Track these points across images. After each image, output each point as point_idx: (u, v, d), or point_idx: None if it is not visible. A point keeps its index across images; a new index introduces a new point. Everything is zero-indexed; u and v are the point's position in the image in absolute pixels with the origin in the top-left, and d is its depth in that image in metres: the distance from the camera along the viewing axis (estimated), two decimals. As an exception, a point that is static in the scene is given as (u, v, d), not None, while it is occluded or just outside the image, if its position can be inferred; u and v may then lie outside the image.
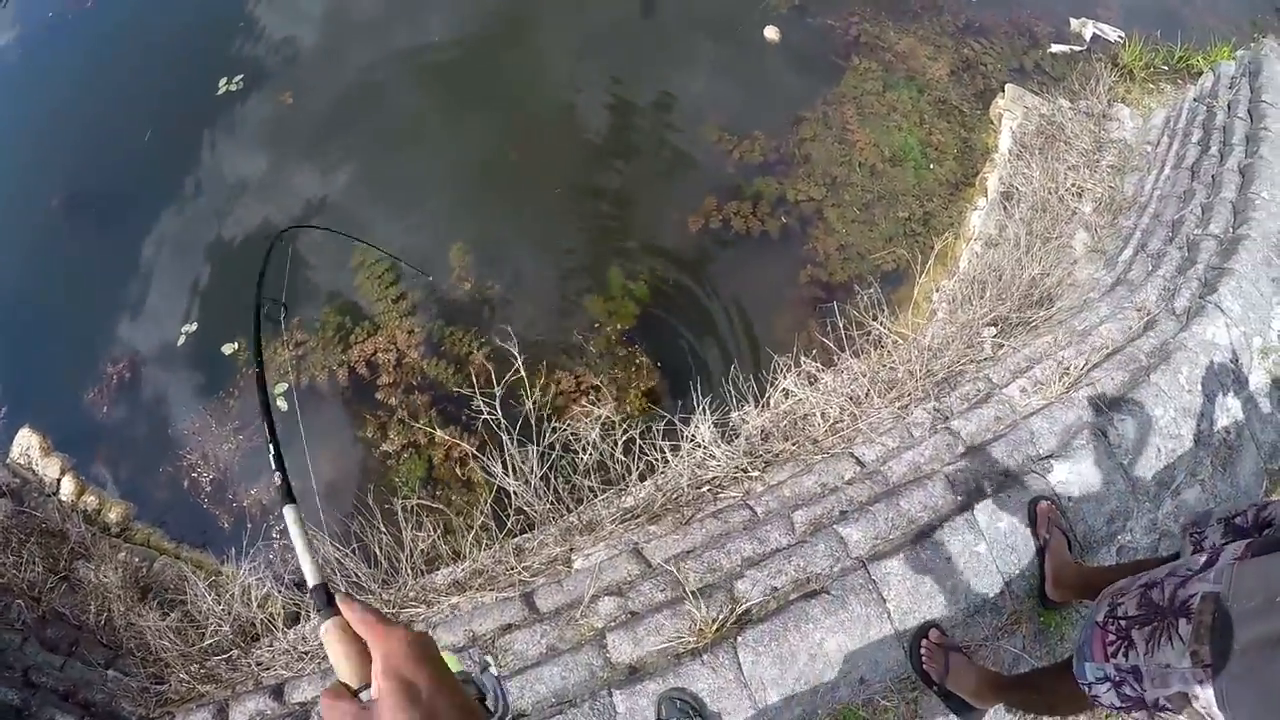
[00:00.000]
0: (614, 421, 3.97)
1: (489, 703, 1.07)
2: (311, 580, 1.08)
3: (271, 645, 4.24)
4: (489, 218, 6.96)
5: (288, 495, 1.28)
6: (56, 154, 8.71)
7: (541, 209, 6.97)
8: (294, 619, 4.23)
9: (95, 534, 6.03)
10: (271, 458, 1.47)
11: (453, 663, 0.98)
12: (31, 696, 4.34)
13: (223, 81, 8.41)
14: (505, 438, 3.90)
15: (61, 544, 5.93)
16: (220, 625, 4.43)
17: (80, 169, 8.42)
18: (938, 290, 6.07)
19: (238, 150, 8.10)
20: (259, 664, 4.16)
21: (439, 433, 4.65)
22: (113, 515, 6.26)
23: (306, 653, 3.94)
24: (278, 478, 1.39)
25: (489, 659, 1.41)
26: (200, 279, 7.35)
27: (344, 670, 0.94)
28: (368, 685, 0.91)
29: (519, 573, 3.61)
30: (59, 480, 6.53)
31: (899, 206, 6.66)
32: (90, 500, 6.36)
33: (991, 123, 7.33)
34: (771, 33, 7.75)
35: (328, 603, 1.02)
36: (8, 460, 6.79)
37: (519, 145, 7.37)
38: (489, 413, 3.95)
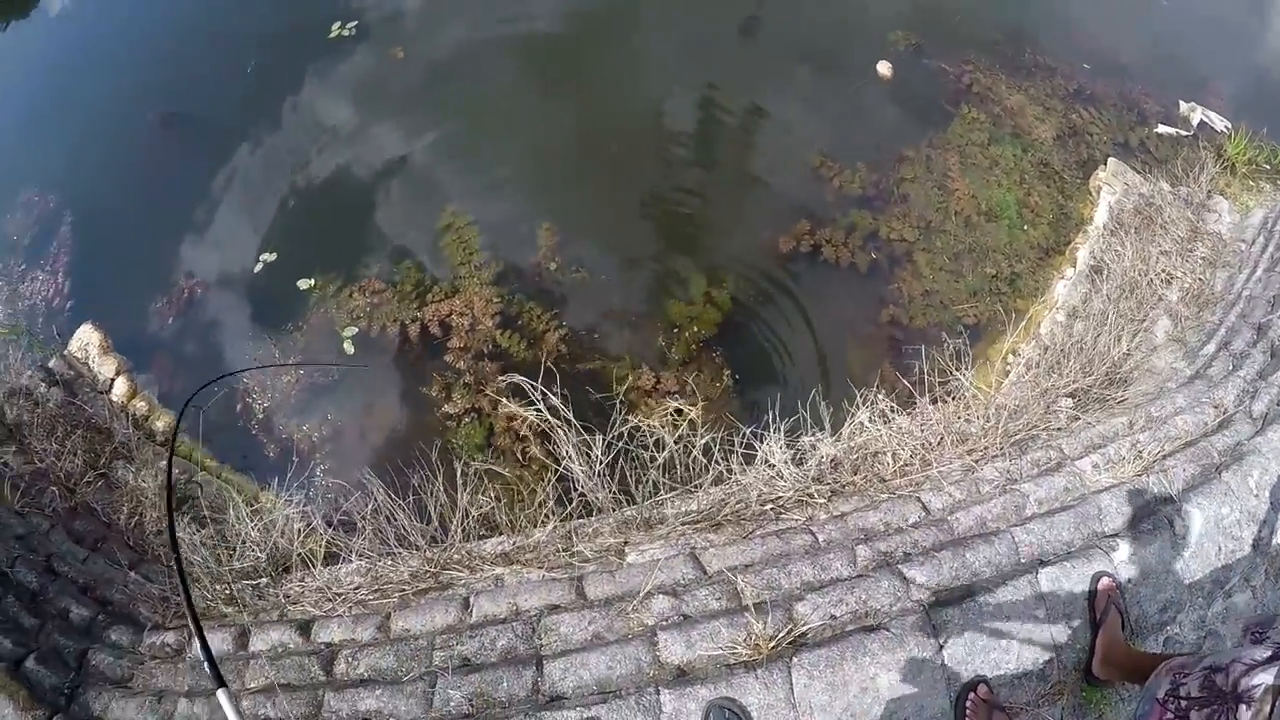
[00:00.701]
0: (694, 423, 3.93)
1: None
2: None
3: (304, 580, 4.24)
4: (579, 204, 6.98)
5: (218, 680, 1.33)
6: (165, 71, 8.88)
7: (631, 203, 6.97)
8: (333, 559, 4.21)
9: (140, 439, 6.09)
10: (199, 648, 1.48)
11: None
12: (50, 583, 4.37)
13: (336, 26, 8.54)
14: (573, 422, 3.89)
15: (105, 442, 5.99)
16: (256, 551, 4.44)
17: (184, 90, 8.59)
18: (1015, 353, 6.00)
19: (337, 95, 8.22)
20: (287, 596, 4.15)
21: (511, 405, 4.63)
22: (160, 424, 6.32)
23: (339, 594, 3.93)
24: (206, 666, 1.41)
25: None
26: (286, 213, 7.45)
27: None
28: None
29: (569, 556, 3.59)
30: (113, 380, 6.60)
31: (988, 262, 6.60)
32: (140, 405, 6.43)
33: (1090, 194, 7.23)
34: (884, 68, 7.71)
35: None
36: (65, 352, 6.88)
37: (615, 137, 7.40)
38: (560, 395, 3.94)
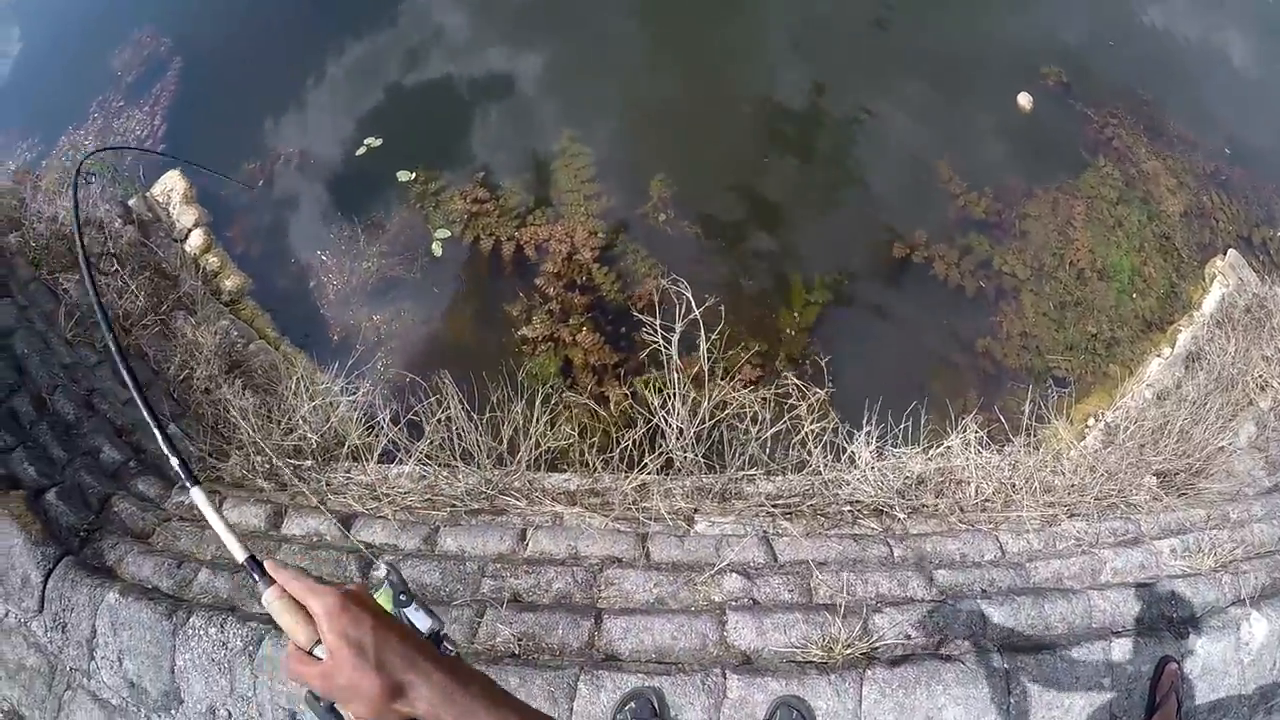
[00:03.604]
0: (812, 406, 3.78)
1: (423, 629, 1.07)
2: (240, 555, 1.12)
3: (350, 473, 4.13)
4: (697, 163, 6.79)
5: (191, 478, 1.25)
6: None
7: (749, 174, 6.80)
8: (389, 458, 4.09)
9: (206, 294, 6.00)
10: (161, 441, 1.36)
11: (386, 602, 1.08)
12: (87, 418, 4.26)
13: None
14: (679, 375, 3.74)
15: (170, 289, 5.91)
16: (306, 430, 4.33)
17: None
18: (1097, 418, 5.83)
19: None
20: (329, 485, 4.04)
21: (587, 337, 4.52)
22: (229, 283, 6.24)
23: (387, 495, 3.81)
24: (175, 461, 1.30)
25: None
26: (399, 100, 7.34)
27: (298, 634, 1.00)
28: (319, 642, 0.98)
29: (638, 510, 3.45)
30: (190, 230, 6.53)
31: (1090, 320, 6.39)
32: (212, 260, 6.35)
33: (1204, 279, 6.99)
34: (1025, 100, 7.47)
35: (262, 573, 1.08)
36: (147, 193, 6.81)
37: (743, 104, 7.23)
38: (658, 341, 3.80)
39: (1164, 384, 6.14)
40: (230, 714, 2.97)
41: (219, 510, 1.17)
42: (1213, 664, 3.20)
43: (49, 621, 3.24)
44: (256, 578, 1.08)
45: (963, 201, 6.68)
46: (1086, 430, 5.79)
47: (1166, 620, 3.32)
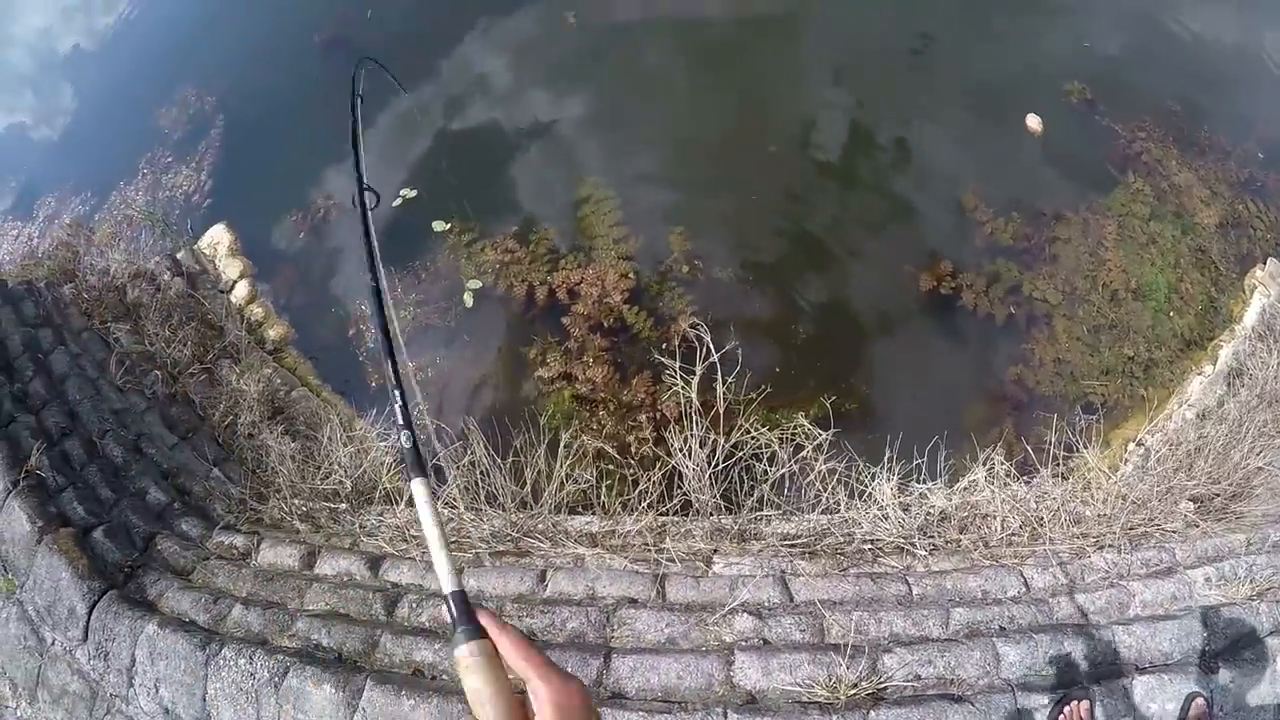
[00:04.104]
0: (820, 447, 3.81)
1: None
2: (448, 585, 0.94)
3: (382, 515, 4.25)
4: (718, 203, 6.91)
5: (418, 466, 1.08)
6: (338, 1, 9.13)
7: (771, 211, 6.85)
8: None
9: (250, 342, 6.23)
10: (400, 420, 1.21)
11: None
12: (135, 461, 4.51)
13: (514, -21, 8.60)
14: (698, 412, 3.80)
15: (216, 338, 6.15)
16: (342, 475, 4.46)
17: (352, 20, 8.80)
18: (1139, 443, 5.72)
19: (501, 49, 8.32)
20: (362, 528, 4.17)
21: (598, 372, 4.59)
22: (272, 333, 6.46)
23: (415, 537, 3.92)
24: (406, 439, 1.14)
25: None
26: (432, 154, 7.57)
27: (488, 711, 0.83)
28: None
29: (656, 552, 3.51)
30: (235, 282, 6.78)
31: (1127, 343, 6.27)
32: (257, 311, 6.58)
33: (1244, 292, 6.81)
34: (1034, 122, 7.38)
35: (469, 619, 0.90)
36: (195, 246, 7.09)
37: (765, 140, 7.27)
38: (681, 385, 3.86)
39: (1206, 403, 5.99)
40: (255, 740, 3.10)
41: (437, 512, 1.04)
42: (1243, 699, 3.11)
43: (92, 650, 3.44)
44: (456, 620, 0.91)
45: (990, 228, 6.63)
46: (1127, 457, 5.68)
47: (1196, 654, 3.22)
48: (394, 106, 7.87)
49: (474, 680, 0.85)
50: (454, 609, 0.91)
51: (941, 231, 6.74)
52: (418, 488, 1.02)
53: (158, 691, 3.27)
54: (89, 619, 3.46)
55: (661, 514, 3.75)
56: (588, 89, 7.78)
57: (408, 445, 1.12)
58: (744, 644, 2.96)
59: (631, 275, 6.29)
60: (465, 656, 0.87)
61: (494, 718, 0.82)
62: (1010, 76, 7.80)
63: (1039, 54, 8.06)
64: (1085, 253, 6.64)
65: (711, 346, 3.74)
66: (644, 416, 5.57)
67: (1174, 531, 4.20)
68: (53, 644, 3.56)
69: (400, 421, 1.18)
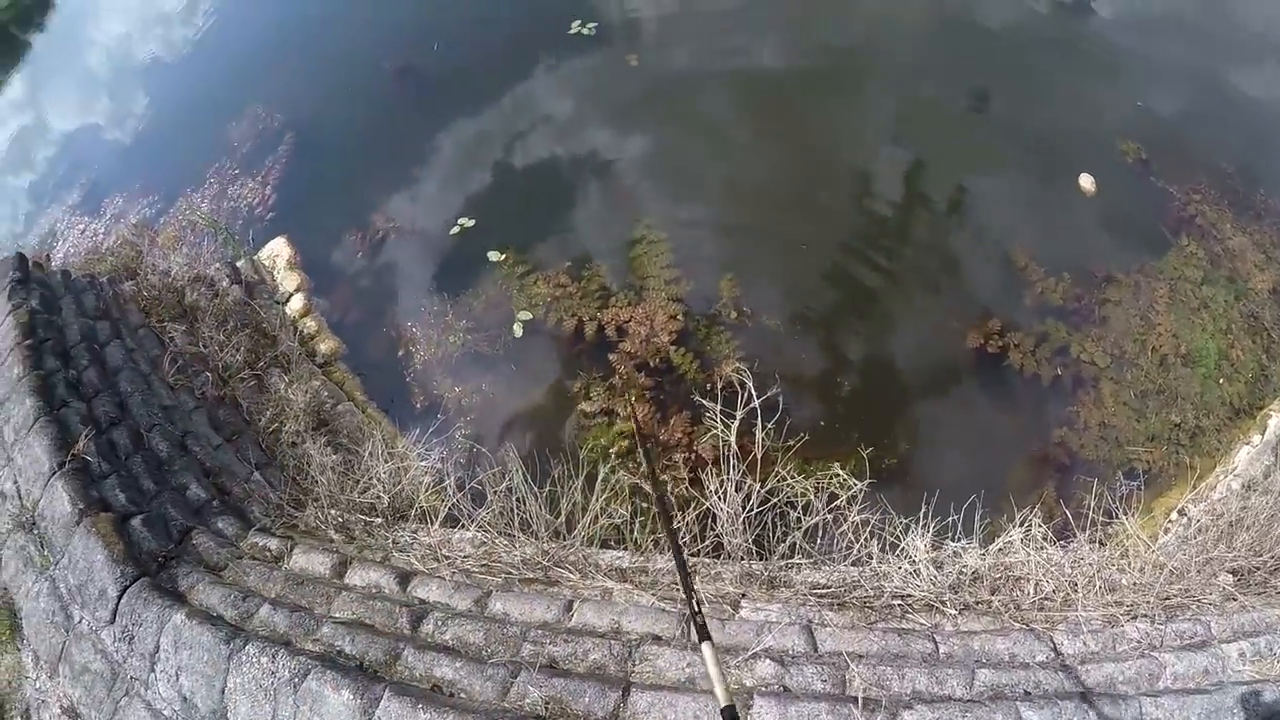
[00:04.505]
0: (854, 497, 3.80)
1: None
2: (723, 701, 1.22)
3: (416, 533, 4.30)
4: (768, 252, 7.00)
5: (704, 634, 1.47)
6: (411, 31, 9.46)
7: (822, 262, 6.93)
8: (452, 522, 4.25)
9: (301, 354, 6.36)
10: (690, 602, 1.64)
11: None
12: (179, 457, 4.63)
13: (577, 23, 8.87)
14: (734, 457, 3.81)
15: (269, 347, 6.30)
16: (380, 490, 4.52)
17: (425, 50, 9.09)
18: (1182, 512, 5.61)
19: (564, 88, 8.54)
20: (395, 543, 4.22)
21: (640, 409, 4.64)
22: (323, 346, 6.60)
23: (447, 557, 3.96)
24: (693, 620, 1.57)
25: None
26: (492, 186, 7.76)
27: None
28: None
29: (683, 592, 3.50)
30: (291, 294, 6.95)
31: (1174, 409, 6.17)
32: (310, 324, 6.73)
33: (1296, 360, 6.70)
34: (1087, 182, 7.33)
35: None
36: (255, 257, 7.27)
37: (816, 190, 7.37)
38: (721, 428, 3.88)
39: (1252, 474, 5.88)
40: (269, 737, 3.14)
41: (720, 663, 1.30)
42: (1274, 778, 3.01)
43: (118, 633, 3.52)
44: None
45: (1040, 288, 6.60)
46: (1169, 525, 5.58)
47: (1225, 734, 3.15)
48: (455, 135, 8.04)
49: None
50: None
51: (991, 289, 6.72)
52: (706, 649, 1.38)
53: (178, 679, 3.33)
54: (118, 602, 3.54)
55: (693, 554, 3.76)
56: (646, 131, 7.93)
57: (698, 623, 1.55)
58: (764, 689, 2.95)
59: (680, 317, 6.38)
60: None
61: None
62: (1065, 134, 7.77)
63: (1094, 112, 8.04)
64: (1135, 316, 6.58)
65: (753, 391, 3.75)
66: (679, 456, 5.60)
67: (1211, 604, 4.11)
68: (80, 622, 3.64)
69: (684, 596, 1.66)
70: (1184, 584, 4.14)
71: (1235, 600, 4.09)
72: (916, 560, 3.70)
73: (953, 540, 3.95)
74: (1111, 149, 7.64)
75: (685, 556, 1.77)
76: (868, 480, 3.77)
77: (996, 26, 8.67)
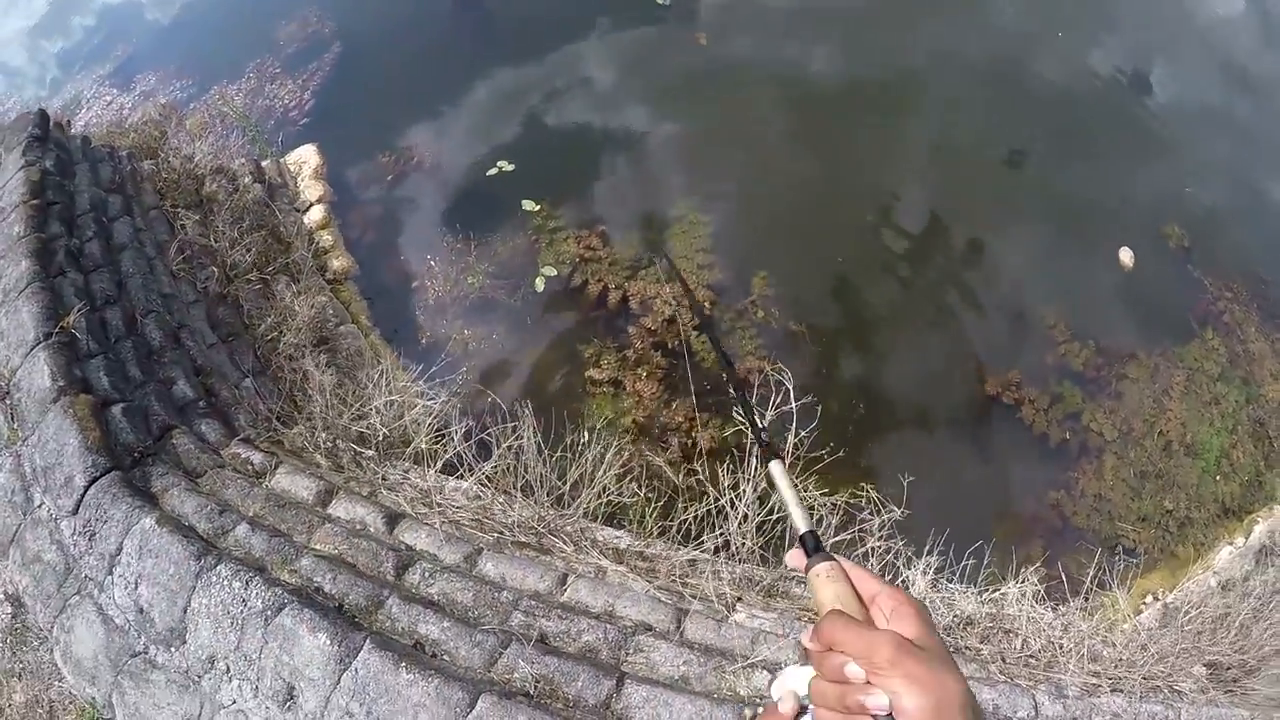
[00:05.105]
0: (883, 523, 3.75)
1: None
2: (802, 526, 1.06)
3: (408, 474, 4.17)
4: (803, 259, 6.92)
5: (773, 454, 1.25)
6: None
7: (856, 278, 6.88)
8: (450, 470, 4.13)
9: (313, 266, 6.20)
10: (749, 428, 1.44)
11: None
12: (171, 349, 4.42)
13: (662, -6, 8.69)
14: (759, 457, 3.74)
15: (281, 253, 6.13)
16: (376, 422, 4.38)
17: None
18: (1155, 596, 5.67)
19: (632, 51, 8.38)
20: (384, 479, 4.09)
21: (647, 387, 4.54)
22: (336, 263, 6.44)
23: (439, 505, 3.85)
24: (763, 439, 1.38)
25: None
26: (539, 133, 7.59)
27: (850, 607, 0.91)
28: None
29: (681, 584, 3.44)
30: (312, 204, 6.79)
31: (1168, 496, 6.20)
32: (326, 238, 6.57)
33: (1290, 476, 6.76)
34: (1126, 256, 7.32)
35: (819, 547, 1.01)
36: (282, 159, 7.08)
37: (862, 210, 7.29)
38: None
39: (1231, 574, 5.94)
40: (229, 669, 3.00)
41: (792, 482, 1.16)
42: None
43: (79, 525, 3.32)
44: (808, 550, 1.02)
45: (1064, 350, 6.59)
46: (1144, 607, 5.63)
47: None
48: (508, 76, 7.88)
49: (833, 589, 0.95)
50: (807, 544, 1.03)
51: (1016, 340, 6.71)
52: (775, 466, 1.17)
53: (137, 588, 3.17)
54: (85, 493, 3.34)
55: (698, 546, 3.68)
56: (703, 111, 7.80)
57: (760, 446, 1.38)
58: (758, 701, 2.90)
59: (708, 305, 6.27)
60: (825, 570, 0.97)
61: (854, 612, 0.91)
62: (1111, 203, 7.76)
63: (1141, 188, 8.02)
64: (1150, 397, 6.59)
65: (792, 395, 3.68)
66: (675, 440, 5.53)
67: (1182, 692, 4.16)
68: (39, 507, 3.47)
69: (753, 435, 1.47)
70: (1164, 667, 4.18)
71: (1205, 693, 4.16)
72: (917, 595, 3.67)
73: (947, 581, 3.94)
74: (1155, 229, 7.63)
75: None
76: (903, 510, 3.72)
77: (1052, 83, 8.58)
